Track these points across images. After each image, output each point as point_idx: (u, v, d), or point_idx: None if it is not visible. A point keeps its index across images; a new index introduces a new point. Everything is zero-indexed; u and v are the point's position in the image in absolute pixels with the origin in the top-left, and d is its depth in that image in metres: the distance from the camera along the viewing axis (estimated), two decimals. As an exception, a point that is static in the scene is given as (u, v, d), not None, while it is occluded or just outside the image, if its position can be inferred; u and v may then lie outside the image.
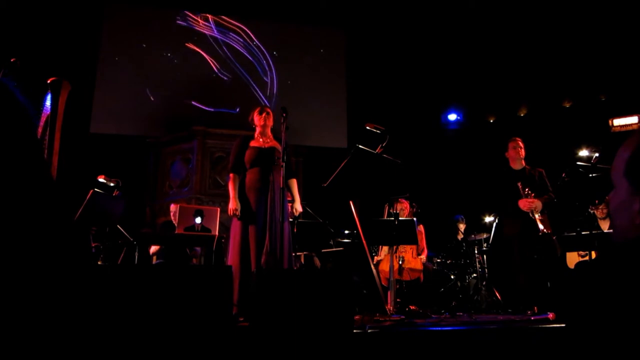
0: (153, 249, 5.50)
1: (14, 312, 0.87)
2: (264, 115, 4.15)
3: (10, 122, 0.90)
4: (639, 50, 7.21)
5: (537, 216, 4.58)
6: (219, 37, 8.55)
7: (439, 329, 3.24)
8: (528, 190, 4.63)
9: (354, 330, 2.87)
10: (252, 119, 4.22)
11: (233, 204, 3.93)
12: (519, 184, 4.66)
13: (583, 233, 4.41)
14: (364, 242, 4.48)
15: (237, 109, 8.25)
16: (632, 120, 7.45)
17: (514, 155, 4.92)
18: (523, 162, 4.92)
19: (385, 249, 5.60)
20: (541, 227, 4.51)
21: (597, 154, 4.23)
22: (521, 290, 4.67)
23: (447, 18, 8.25)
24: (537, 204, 4.59)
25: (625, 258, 0.96)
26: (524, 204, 4.62)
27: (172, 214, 5.85)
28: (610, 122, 7.53)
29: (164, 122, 8.01)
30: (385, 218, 5.10)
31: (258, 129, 4.16)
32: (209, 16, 8.55)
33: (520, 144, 4.93)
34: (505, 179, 4.89)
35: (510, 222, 4.83)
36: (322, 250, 5.77)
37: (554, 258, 4.91)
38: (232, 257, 3.89)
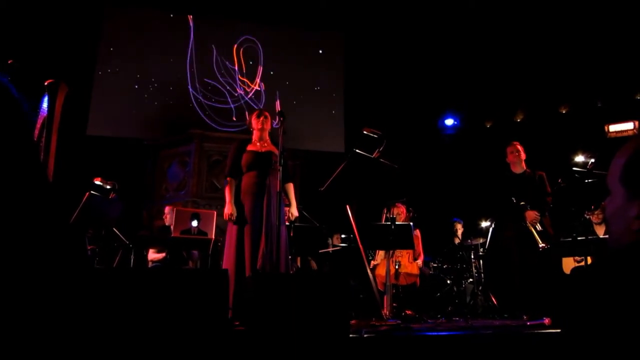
0: (151, 256, 5.48)
1: (8, 313, 0.87)
2: (261, 119, 4.15)
3: (6, 123, 0.90)
4: (635, 57, 7.25)
5: (537, 227, 4.59)
6: (216, 39, 8.56)
7: (435, 333, 3.24)
8: (523, 203, 4.66)
9: (350, 335, 2.87)
10: (250, 123, 4.22)
11: (229, 209, 3.94)
12: (513, 199, 4.69)
13: (579, 238, 4.41)
14: (360, 246, 4.48)
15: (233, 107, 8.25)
16: (627, 126, 7.49)
17: (513, 160, 4.94)
18: (524, 165, 4.92)
19: (381, 253, 5.60)
20: (541, 243, 4.52)
21: (593, 160, 4.25)
22: (518, 293, 4.67)
23: (445, 23, 8.28)
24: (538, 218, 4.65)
25: (621, 264, 0.96)
26: (531, 216, 4.64)
27: (165, 216, 5.85)
28: (606, 128, 7.56)
29: (161, 125, 8.00)
30: (383, 222, 5.10)
31: (256, 133, 4.16)
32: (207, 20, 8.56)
33: (519, 147, 4.93)
34: (505, 183, 4.90)
35: (510, 225, 4.83)
36: (320, 251, 5.76)
37: (551, 263, 4.92)
38: (227, 261, 3.88)
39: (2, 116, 0.90)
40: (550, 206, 4.74)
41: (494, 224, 6.24)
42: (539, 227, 4.62)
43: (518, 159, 4.91)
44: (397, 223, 4.72)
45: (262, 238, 3.83)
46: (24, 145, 0.94)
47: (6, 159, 0.88)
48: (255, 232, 3.86)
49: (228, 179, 4.09)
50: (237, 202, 3.99)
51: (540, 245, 4.52)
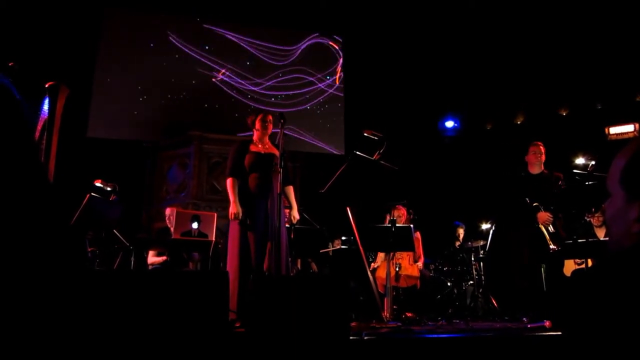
0: (151, 260, 5.48)
1: (8, 314, 0.87)
2: (267, 122, 4.14)
3: (7, 125, 0.90)
4: (636, 59, 7.26)
5: (550, 229, 4.55)
6: (215, 42, 8.58)
7: (436, 336, 3.23)
8: (536, 204, 4.62)
9: (351, 337, 2.86)
10: (253, 123, 4.17)
11: (234, 208, 3.90)
12: (527, 199, 4.65)
13: (579, 241, 4.41)
14: (360, 248, 4.48)
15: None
16: (628, 128, 7.50)
17: (533, 160, 4.85)
18: (542, 166, 4.87)
19: (382, 255, 5.59)
20: (552, 245, 4.49)
21: (593, 162, 4.24)
22: (522, 295, 4.65)
23: (445, 26, 8.29)
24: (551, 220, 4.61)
25: (621, 266, 0.96)
26: (542, 217, 4.60)
27: (167, 217, 5.84)
28: (606, 130, 7.57)
29: (161, 127, 8.01)
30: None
31: (257, 134, 4.14)
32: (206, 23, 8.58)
33: (542, 148, 4.82)
34: (520, 183, 4.86)
35: (521, 226, 4.77)
36: (320, 251, 5.76)
37: (556, 266, 4.89)
38: (231, 263, 3.87)
39: (4, 118, 0.90)
40: (551, 208, 4.72)
41: (495, 226, 6.24)
42: (551, 228, 4.58)
43: (539, 159, 4.81)
44: (397, 225, 4.72)
45: (268, 240, 3.83)
46: (25, 148, 0.94)
47: (7, 161, 0.88)
48: (260, 234, 3.85)
49: (230, 178, 4.04)
50: (240, 203, 3.96)
51: (550, 247, 4.48)
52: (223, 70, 8.50)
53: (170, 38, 8.34)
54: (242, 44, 8.68)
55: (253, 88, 8.63)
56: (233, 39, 8.66)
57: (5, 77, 0.93)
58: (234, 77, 8.55)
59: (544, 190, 4.69)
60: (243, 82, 8.60)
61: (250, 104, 8.51)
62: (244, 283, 3.74)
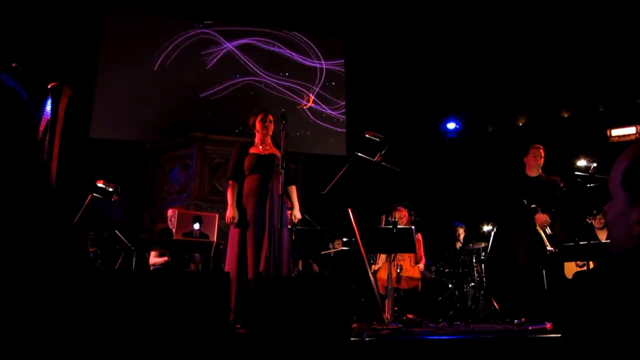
0: (153, 260, 5.48)
1: (10, 315, 0.87)
2: (267, 123, 4.14)
3: (16, 129, 0.90)
4: (638, 61, 7.25)
5: (547, 231, 4.56)
6: (216, 43, 8.59)
7: (437, 338, 3.23)
8: (534, 206, 4.63)
9: (352, 338, 2.86)
10: (254, 124, 4.18)
11: (230, 212, 3.93)
12: (524, 201, 4.65)
13: (581, 243, 4.41)
14: (362, 250, 4.48)
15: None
16: (630, 130, 7.47)
17: (532, 162, 4.86)
18: (540, 170, 4.87)
19: (383, 257, 5.59)
20: (549, 247, 4.49)
21: (595, 164, 4.23)
22: (522, 297, 4.65)
23: (447, 27, 8.30)
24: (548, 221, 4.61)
25: (622, 268, 0.97)
26: (540, 219, 4.60)
27: (168, 218, 5.85)
28: (608, 132, 7.55)
29: (163, 128, 8.02)
30: (383, 226, 5.09)
31: (258, 135, 4.15)
32: (209, 23, 8.60)
33: (542, 152, 4.84)
34: (518, 186, 4.86)
35: (521, 227, 4.77)
36: (321, 252, 5.76)
37: (554, 268, 4.89)
38: (229, 264, 3.88)
39: (14, 122, 0.91)
40: (552, 210, 4.72)
41: (497, 228, 6.24)
42: (548, 230, 4.58)
43: (537, 163, 4.83)
44: (398, 227, 4.72)
45: (265, 241, 3.83)
46: (31, 151, 0.95)
47: (14, 163, 0.89)
48: (258, 235, 3.85)
49: (230, 181, 4.07)
50: (240, 205, 3.98)
51: (548, 249, 4.49)
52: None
53: (172, 38, 8.35)
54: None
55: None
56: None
57: (13, 80, 0.94)
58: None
59: (541, 193, 4.70)
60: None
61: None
62: (242, 284, 3.75)
